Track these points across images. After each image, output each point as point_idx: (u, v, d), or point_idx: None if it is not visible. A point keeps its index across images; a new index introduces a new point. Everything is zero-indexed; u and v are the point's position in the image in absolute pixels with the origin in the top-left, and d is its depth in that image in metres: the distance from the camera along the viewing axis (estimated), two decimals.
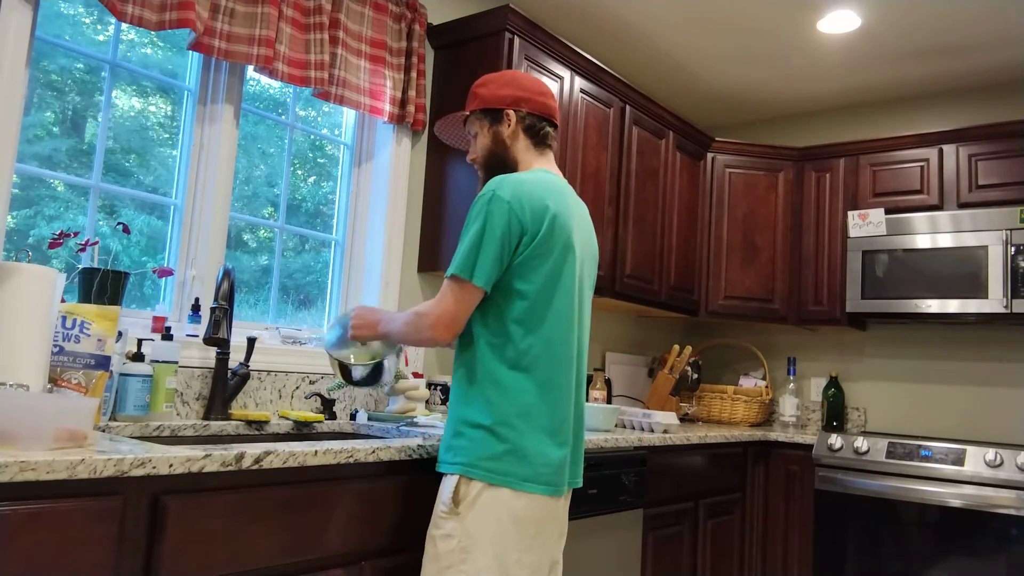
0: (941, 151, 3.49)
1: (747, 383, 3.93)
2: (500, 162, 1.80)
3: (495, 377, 1.62)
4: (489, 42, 2.74)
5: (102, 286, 1.77)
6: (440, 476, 1.68)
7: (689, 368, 3.64)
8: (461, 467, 1.60)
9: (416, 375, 2.59)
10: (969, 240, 3.27)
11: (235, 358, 2.18)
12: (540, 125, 1.81)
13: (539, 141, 1.81)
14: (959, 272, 3.28)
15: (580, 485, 1.79)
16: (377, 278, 2.71)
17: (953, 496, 2.99)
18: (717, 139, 3.89)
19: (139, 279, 2.22)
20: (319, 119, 2.80)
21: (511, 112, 1.79)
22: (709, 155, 3.87)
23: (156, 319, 2.07)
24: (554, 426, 1.63)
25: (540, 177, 1.72)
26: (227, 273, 2.08)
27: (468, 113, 1.86)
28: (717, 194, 3.85)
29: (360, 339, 1.87)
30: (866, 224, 3.54)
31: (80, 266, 1.82)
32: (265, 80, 2.52)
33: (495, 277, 1.62)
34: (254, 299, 2.53)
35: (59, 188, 2.09)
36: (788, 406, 3.77)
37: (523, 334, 1.62)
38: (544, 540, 1.61)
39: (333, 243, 2.75)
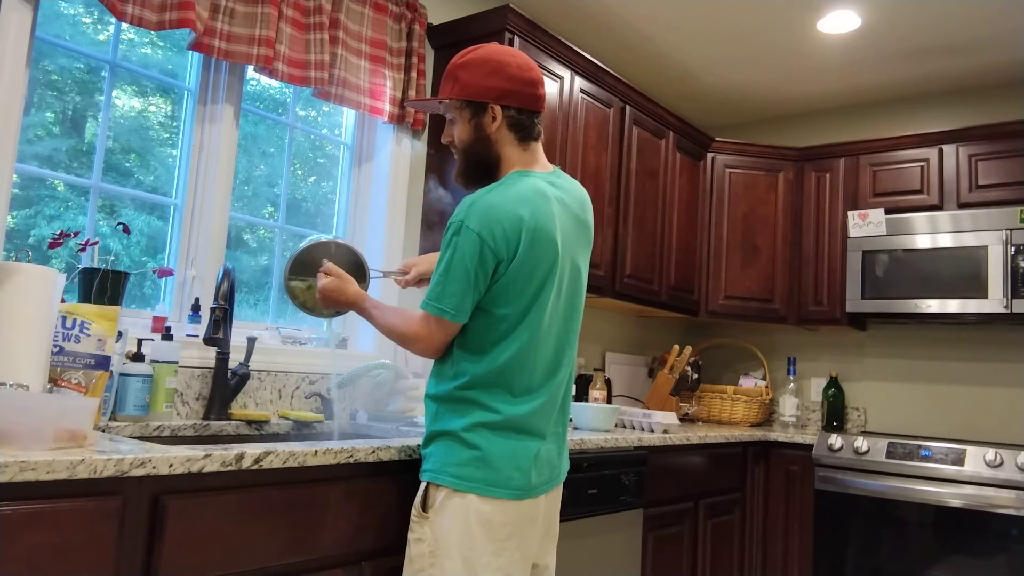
0: (941, 151, 3.49)
1: (747, 383, 3.93)
2: (481, 158, 1.69)
3: (469, 390, 1.60)
4: (489, 42, 2.73)
5: (102, 286, 1.77)
6: None
7: (689, 368, 3.63)
8: (430, 474, 1.60)
9: (416, 375, 2.59)
10: (969, 240, 3.27)
11: (235, 358, 2.18)
12: (528, 120, 1.68)
13: (525, 136, 1.69)
14: (959, 272, 3.28)
15: (562, 481, 1.75)
16: (375, 280, 2.70)
17: (953, 496, 2.99)
18: (717, 139, 3.89)
19: (139, 279, 2.22)
20: (319, 119, 2.80)
21: (497, 107, 1.66)
22: (709, 155, 3.87)
23: (156, 319, 2.07)
24: (527, 433, 1.62)
25: (515, 189, 1.61)
26: (227, 273, 2.08)
27: (445, 101, 1.71)
28: (717, 194, 3.85)
29: (325, 306, 1.90)
30: (866, 224, 3.54)
31: (80, 266, 1.82)
32: (265, 80, 2.52)
33: (470, 308, 1.59)
34: (254, 299, 2.54)
35: (59, 188, 2.09)
36: (788, 406, 3.77)
37: (501, 350, 1.60)
38: (520, 543, 1.60)
39: None
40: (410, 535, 1.61)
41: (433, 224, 2.84)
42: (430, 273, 1.94)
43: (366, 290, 1.95)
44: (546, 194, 1.65)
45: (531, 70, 1.69)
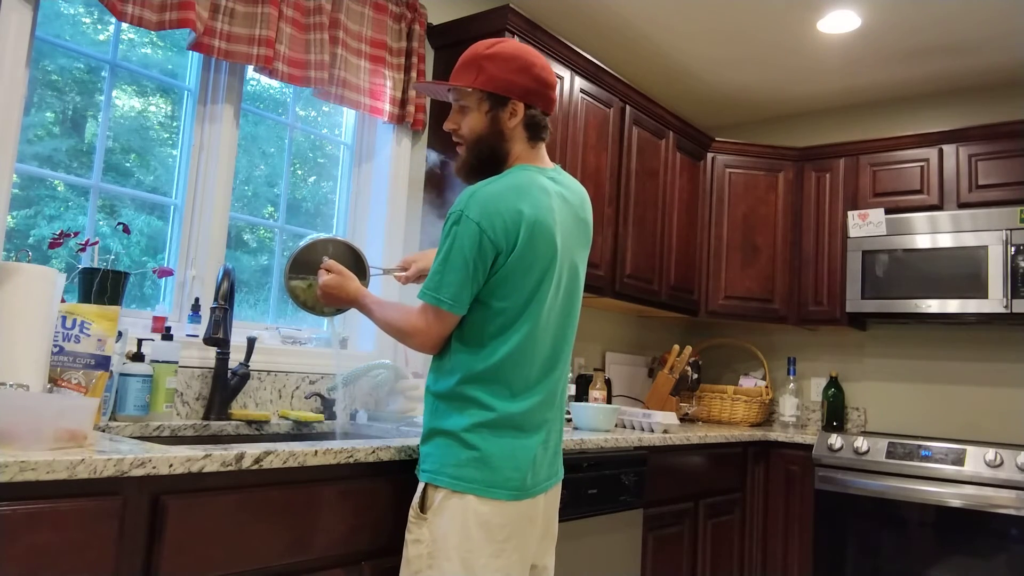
0: (941, 151, 3.49)
1: (747, 383, 3.93)
2: (492, 151, 1.68)
3: (467, 385, 1.60)
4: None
5: (102, 286, 1.77)
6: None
7: (689, 368, 3.63)
8: (428, 475, 1.60)
9: (416, 375, 2.59)
10: (969, 240, 3.27)
11: (235, 358, 2.18)
12: (543, 122, 1.71)
13: (536, 135, 1.71)
14: (959, 272, 3.28)
15: (560, 479, 1.75)
16: (377, 278, 2.70)
17: (953, 496, 2.99)
18: (717, 139, 3.89)
19: (139, 279, 2.22)
20: (319, 119, 2.80)
21: (520, 104, 1.66)
22: (709, 155, 3.87)
23: (156, 319, 2.07)
24: (524, 431, 1.61)
25: (516, 181, 1.61)
26: (227, 273, 2.08)
27: (462, 88, 1.69)
28: (717, 194, 3.85)
29: (326, 303, 1.90)
30: (866, 224, 3.54)
31: (80, 266, 1.82)
32: (265, 80, 2.52)
33: (468, 299, 1.58)
34: (254, 299, 2.54)
35: (59, 188, 2.09)
36: (788, 406, 3.77)
37: (499, 345, 1.59)
38: (518, 544, 1.60)
39: None
40: (408, 536, 1.61)
41: (433, 224, 2.84)
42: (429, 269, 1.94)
43: (367, 287, 1.95)
44: (547, 189, 1.66)
45: (551, 73, 1.73)
